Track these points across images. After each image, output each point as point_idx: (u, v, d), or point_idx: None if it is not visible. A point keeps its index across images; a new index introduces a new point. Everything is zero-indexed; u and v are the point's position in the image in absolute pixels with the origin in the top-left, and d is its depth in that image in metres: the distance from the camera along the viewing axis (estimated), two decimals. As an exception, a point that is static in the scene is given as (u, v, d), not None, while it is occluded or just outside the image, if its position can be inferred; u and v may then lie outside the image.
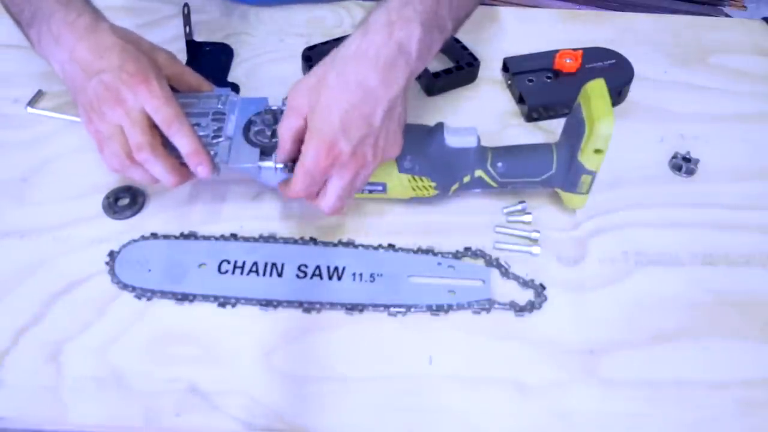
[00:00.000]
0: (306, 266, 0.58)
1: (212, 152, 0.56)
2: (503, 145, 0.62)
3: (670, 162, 0.69)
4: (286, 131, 0.53)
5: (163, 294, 0.56)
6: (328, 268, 0.58)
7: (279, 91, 0.61)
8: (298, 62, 0.77)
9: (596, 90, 0.55)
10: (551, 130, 0.72)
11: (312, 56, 0.75)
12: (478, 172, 0.60)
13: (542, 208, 0.64)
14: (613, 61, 0.76)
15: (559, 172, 0.60)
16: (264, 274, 0.58)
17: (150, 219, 0.62)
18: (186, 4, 0.73)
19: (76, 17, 0.54)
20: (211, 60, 0.78)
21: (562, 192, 0.61)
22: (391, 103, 0.51)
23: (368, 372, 0.53)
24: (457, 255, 0.60)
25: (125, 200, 0.63)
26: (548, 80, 0.74)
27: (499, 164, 0.60)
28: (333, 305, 0.56)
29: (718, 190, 0.67)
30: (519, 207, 0.64)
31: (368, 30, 0.50)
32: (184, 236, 0.60)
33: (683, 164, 0.69)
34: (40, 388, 0.51)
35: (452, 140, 0.58)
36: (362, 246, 0.60)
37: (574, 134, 0.57)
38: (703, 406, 0.52)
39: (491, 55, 0.78)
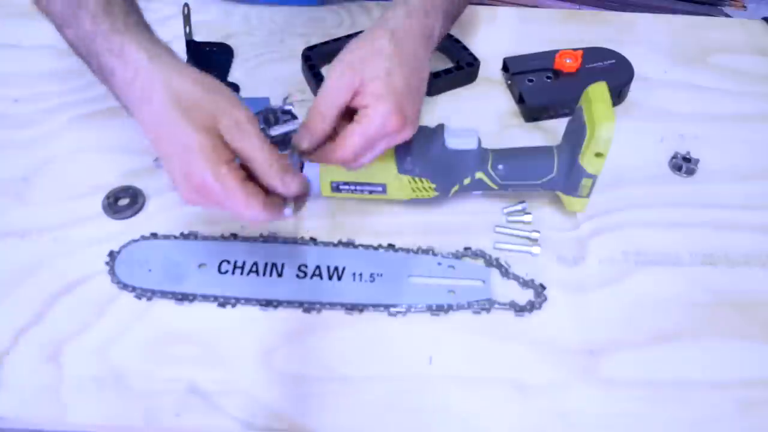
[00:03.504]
0: (306, 266, 0.58)
1: None
2: (504, 147, 0.62)
3: (670, 162, 0.69)
4: (330, 108, 0.51)
5: (163, 294, 0.56)
6: (328, 268, 0.58)
7: (279, 91, 0.62)
8: (298, 62, 0.77)
9: (598, 93, 0.55)
10: (551, 130, 0.72)
11: (312, 56, 0.75)
12: (479, 174, 0.60)
13: (542, 208, 0.64)
14: (613, 61, 0.76)
15: (560, 175, 0.60)
16: (264, 274, 0.58)
17: (150, 219, 0.62)
18: (186, 4, 0.73)
19: (133, 78, 0.48)
20: (211, 60, 0.78)
21: (563, 195, 0.61)
22: (427, 74, 0.56)
23: (368, 372, 0.53)
24: (457, 255, 0.60)
25: (125, 200, 0.63)
26: (548, 80, 0.74)
27: (500, 167, 0.60)
28: (333, 305, 0.56)
29: (718, 190, 0.67)
30: (519, 207, 0.64)
31: (410, 13, 0.55)
32: (184, 236, 0.60)
33: (683, 164, 0.69)
34: (40, 388, 0.51)
35: (453, 142, 0.58)
36: (362, 246, 0.60)
37: (576, 137, 0.57)
38: (703, 406, 0.52)
39: (491, 55, 0.78)
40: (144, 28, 0.51)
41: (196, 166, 0.45)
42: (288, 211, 0.48)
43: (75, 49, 0.53)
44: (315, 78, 0.73)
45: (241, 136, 0.46)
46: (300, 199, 0.49)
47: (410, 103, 0.52)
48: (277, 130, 0.57)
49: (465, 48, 0.78)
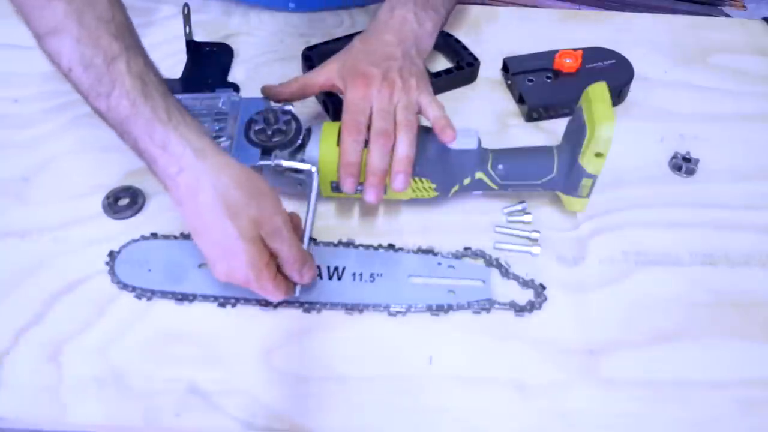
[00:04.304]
0: (306, 266, 0.58)
1: None
2: (504, 148, 0.62)
3: (670, 162, 0.69)
4: (304, 77, 0.63)
5: (163, 294, 0.56)
6: (328, 268, 0.58)
7: (279, 91, 0.62)
8: (298, 62, 0.77)
9: (598, 93, 0.55)
10: (551, 130, 0.72)
11: (312, 56, 0.75)
12: (479, 174, 0.60)
13: (542, 208, 0.64)
14: (613, 61, 0.76)
15: (559, 175, 0.60)
16: (264, 274, 0.58)
17: (150, 219, 0.62)
18: (186, 4, 0.73)
19: (177, 173, 0.49)
20: (211, 60, 0.78)
21: (563, 195, 0.61)
22: (405, 48, 0.61)
23: (368, 372, 0.53)
24: (457, 255, 0.60)
25: (125, 200, 0.63)
26: (548, 80, 0.74)
27: (500, 166, 0.60)
28: (333, 305, 0.56)
29: (718, 190, 0.67)
30: (519, 207, 0.64)
31: (394, 6, 0.64)
32: (184, 236, 0.60)
33: (683, 164, 0.69)
34: (40, 388, 0.51)
35: (453, 142, 0.58)
36: (362, 246, 0.60)
37: (576, 137, 0.57)
38: (703, 406, 0.52)
39: (491, 55, 0.78)
40: (182, 110, 0.51)
41: (240, 268, 0.50)
42: (297, 292, 0.54)
43: (101, 115, 0.51)
44: (315, 78, 0.72)
45: (279, 242, 0.51)
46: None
47: (374, 65, 0.59)
48: (282, 160, 0.57)
49: (465, 48, 0.78)
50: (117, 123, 0.50)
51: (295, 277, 0.53)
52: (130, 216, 0.62)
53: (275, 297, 0.52)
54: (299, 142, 0.59)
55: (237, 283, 0.51)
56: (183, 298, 0.56)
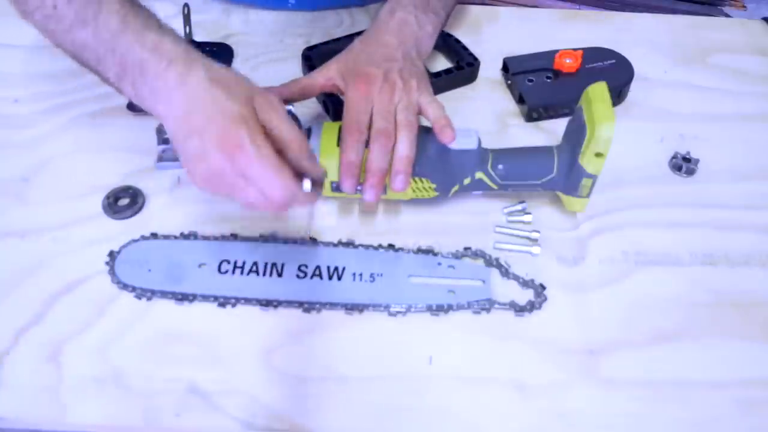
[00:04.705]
0: (306, 266, 0.58)
1: None
2: (504, 148, 0.62)
3: (670, 162, 0.69)
4: (304, 78, 0.62)
5: (163, 294, 0.56)
6: (328, 268, 0.58)
7: (279, 91, 0.61)
8: (298, 62, 0.77)
9: (598, 93, 0.55)
10: (551, 130, 0.72)
11: (312, 56, 0.75)
12: (479, 174, 0.60)
13: (542, 208, 0.64)
14: (613, 61, 0.76)
15: (560, 175, 0.60)
16: (264, 274, 0.58)
17: (150, 219, 0.62)
18: (186, 4, 0.73)
19: (167, 66, 0.49)
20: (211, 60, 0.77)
21: (563, 195, 0.61)
22: (406, 49, 0.62)
23: (368, 372, 0.53)
24: (457, 255, 0.60)
25: (125, 200, 0.63)
26: (548, 80, 0.74)
27: (500, 166, 0.60)
28: (333, 305, 0.56)
29: (718, 190, 0.67)
30: (519, 207, 0.64)
31: (394, 9, 0.65)
32: (184, 236, 0.60)
33: (683, 164, 0.69)
34: (40, 388, 0.51)
35: (453, 142, 0.58)
36: (362, 246, 0.60)
37: (576, 137, 0.57)
38: (703, 406, 0.52)
39: (491, 55, 0.78)
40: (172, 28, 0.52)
41: (234, 130, 0.47)
42: (307, 184, 0.50)
43: (83, 52, 0.51)
44: (315, 78, 0.72)
45: (274, 114, 0.49)
46: (316, 183, 0.52)
47: (375, 66, 0.59)
48: None
49: (465, 48, 0.78)
50: (102, 44, 0.50)
51: (303, 160, 0.50)
52: (130, 216, 0.62)
53: (282, 181, 0.47)
54: (299, 142, 0.59)
55: (228, 155, 0.47)
56: (183, 298, 0.56)
